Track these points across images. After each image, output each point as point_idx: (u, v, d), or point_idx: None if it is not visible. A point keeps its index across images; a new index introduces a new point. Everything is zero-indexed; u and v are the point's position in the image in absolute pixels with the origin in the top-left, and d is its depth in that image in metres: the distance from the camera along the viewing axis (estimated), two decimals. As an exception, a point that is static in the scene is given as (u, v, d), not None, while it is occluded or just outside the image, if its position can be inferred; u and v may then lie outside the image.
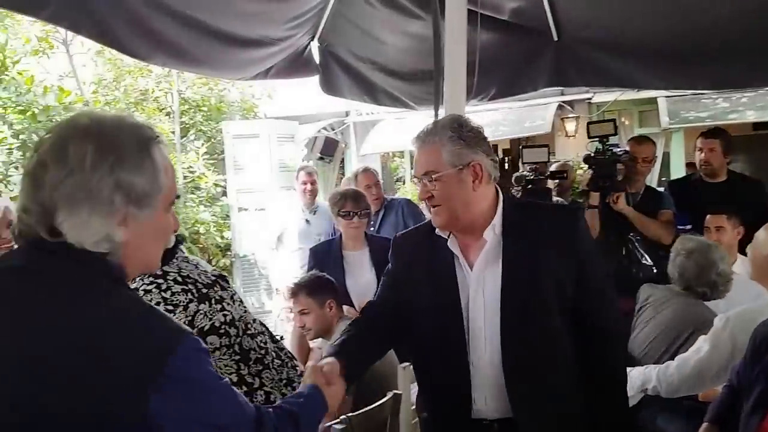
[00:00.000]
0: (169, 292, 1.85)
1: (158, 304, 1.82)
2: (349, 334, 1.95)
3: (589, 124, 3.78)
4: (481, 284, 1.77)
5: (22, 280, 1.00)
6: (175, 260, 1.90)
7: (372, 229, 3.93)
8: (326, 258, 3.41)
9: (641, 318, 2.74)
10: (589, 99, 7.26)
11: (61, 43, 4.82)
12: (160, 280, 1.86)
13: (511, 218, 1.78)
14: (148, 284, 1.84)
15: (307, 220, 4.90)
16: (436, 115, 2.73)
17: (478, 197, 1.75)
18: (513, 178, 4.81)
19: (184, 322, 1.80)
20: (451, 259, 1.80)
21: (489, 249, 1.77)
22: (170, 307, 1.83)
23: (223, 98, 6.58)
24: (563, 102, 7.15)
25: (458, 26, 2.31)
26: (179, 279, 1.88)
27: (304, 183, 4.88)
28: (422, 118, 9.08)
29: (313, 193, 4.94)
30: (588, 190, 3.72)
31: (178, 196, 1.21)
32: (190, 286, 1.87)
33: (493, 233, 1.77)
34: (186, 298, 1.86)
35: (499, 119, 7.45)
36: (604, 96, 7.17)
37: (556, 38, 3.92)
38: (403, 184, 12.74)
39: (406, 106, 4.43)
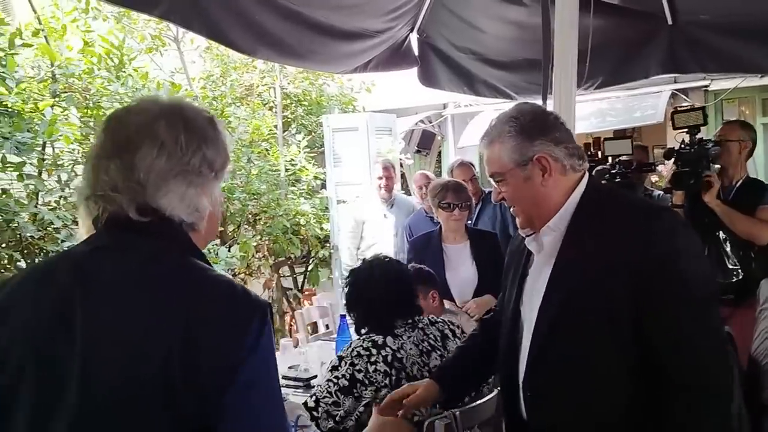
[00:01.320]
0: (372, 367, 2.04)
1: (359, 371, 2.03)
2: (465, 346, 2.01)
3: (673, 113, 3.37)
4: (532, 291, 1.61)
5: (115, 260, 1.03)
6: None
7: (470, 222, 3.88)
8: (426, 250, 3.40)
9: (765, 320, 2.53)
10: (706, 87, 6.79)
11: (172, 40, 5.09)
12: (374, 350, 2.06)
13: (582, 213, 1.54)
14: (363, 348, 2.05)
15: (385, 215, 4.87)
16: (544, 104, 2.62)
17: (551, 192, 1.55)
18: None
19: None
20: (527, 260, 1.68)
21: (547, 250, 1.58)
22: (366, 382, 2.02)
23: (323, 92, 6.71)
24: (676, 90, 6.74)
25: (570, 12, 2.22)
26: (389, 359, 2.06)
27: (380, 177, 4.84)
28: (523, 109, 8.87)
29: (389, 187, 4.88)
30: (671, 188, 3.37)
31: None
32: (392, 371, 2.06)
33: (550, 230, 1.57)
34: (381, 380, 2.04)
35: (606, 108, 7.12)
36: (723, 83, 6.68)
37: (670, 22, 3.74)
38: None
39: (507, 97, 4.35)
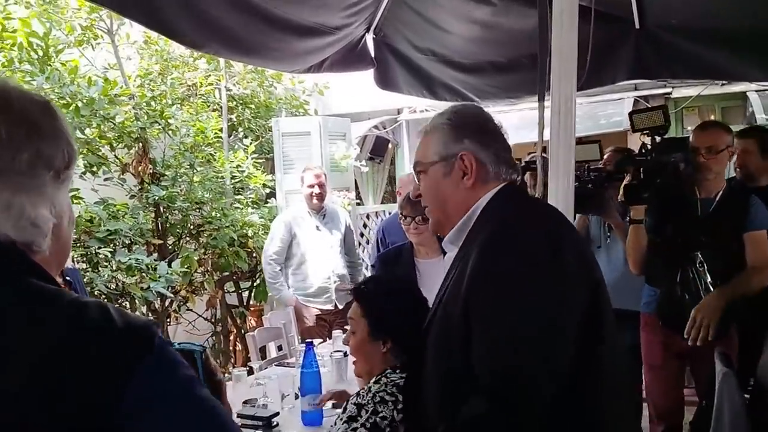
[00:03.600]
0: (400, 415, 1.88)
1: (383, 418, 1.87)
2: None
3: (632, 114, 3.06)
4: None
5: None
6: None
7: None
8: (396, 266, 3.26)
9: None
10: (668, 94, 6.89)
11: (105, 32, 4.81)
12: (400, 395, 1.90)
13: (475, 227, 1.50)
14: (388, 394, 1.90)
15: (317, 227, 4.66)
16: (541, 105, 2.52)
17: (464, 196, 1.53)
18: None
19: None
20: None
21: (453, 257, 1.55)
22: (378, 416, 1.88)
23: (272, 94, 6.51)
24: (638, 97, 6.82)
25: (569, 10, 2.12)
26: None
27: (311, 185, 4.57)
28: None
29: (321, 197, 4.62)
30: (627, 203, 3.03)
31: None
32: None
33: (450, 244, 1.59)
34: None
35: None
36: (684, 90, 6.80)
37: (638, 26, 3.73)
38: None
39: (469, 100, 4.25)
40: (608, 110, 6.80)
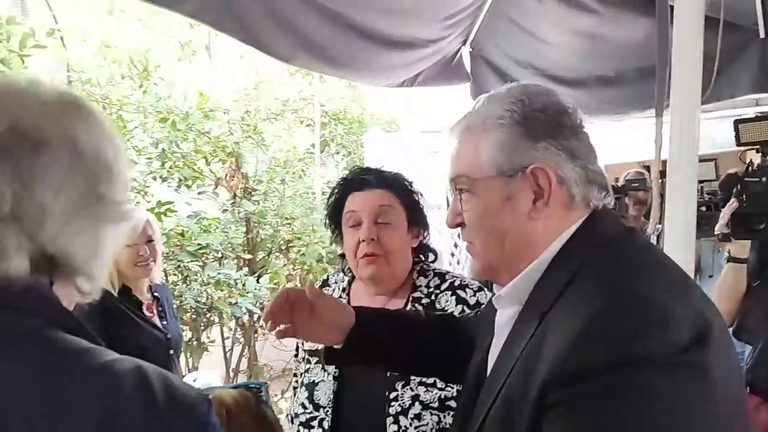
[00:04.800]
0: None
1: None
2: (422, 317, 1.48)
3: (737, 122, 2.53)
4: (492, 361, 1.11)
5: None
6: None
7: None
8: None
9: None
10: (792, 111, 6.39)
11: (204, 48, 4.95)
12: None
13: (549, 278, 1.01)
14: None
15: None
16: (659, 121, 2.20)
17: (535, 233, 1.02)
18: None
19: None
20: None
21: (509, 318, 1.07)
22: None
23: (365, 110, 6.53)
24: (759, 113, 6.32)
25: (694, 19, 1.93)
26: None
27: None
28: (588, 129, 8.56)
29: None
30: (728, 235, 2.46)
31: None
32: None
33: (506, 301, 1.08)
34: None
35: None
36: (814, 108, 6.28)
37: (762, 35, 3.43)
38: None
39: (571, 117, 4.04)
40: (724, 126, 6.34)
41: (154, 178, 4.37)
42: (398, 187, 1.77)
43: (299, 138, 5.27)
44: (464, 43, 3.85)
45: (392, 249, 1.70)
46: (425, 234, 1.80)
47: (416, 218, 1.76)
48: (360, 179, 1.77)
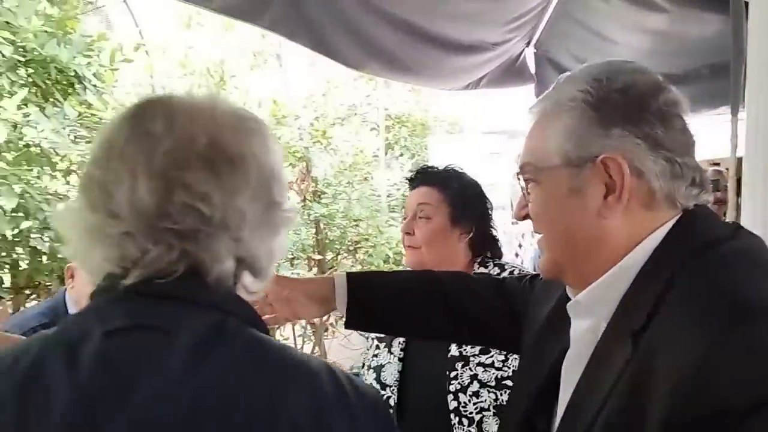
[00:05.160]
0: None
1: None
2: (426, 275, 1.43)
3: None
4: (568, 378, 0.97)
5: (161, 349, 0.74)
6: None
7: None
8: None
9: None
10: None
11: (275, 57, 5.11)
12: None
13: (643, 288, 0.86)
14: None
15: None
16: (734, 118, 2.14)
17: (611, 231, 0.90)
18: None
19: None
20: (566, 321, 1.01)
21: (587, 330, 0.95)
22: None
23: (429, 113, 6.57)
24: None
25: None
26: None
27: None
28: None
29: None
30: None
31: None
32: None
33: (583, 309, 0.96)
34: None
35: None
36: None
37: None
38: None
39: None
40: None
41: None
42: (446, 184, 1.88)
43: (365, 141, 5.36)
44: (528, 44, 3.83)
45: (427, 242, 1.82)
46: (474, 229, 1.87)
47: (461, 214, 1.85)
48: (412, 178, 1.95)
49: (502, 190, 5.99)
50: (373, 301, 1.33)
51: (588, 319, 0.94)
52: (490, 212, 1.96)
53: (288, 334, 4.98)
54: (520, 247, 6.82)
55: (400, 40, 2.87)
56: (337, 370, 0.77)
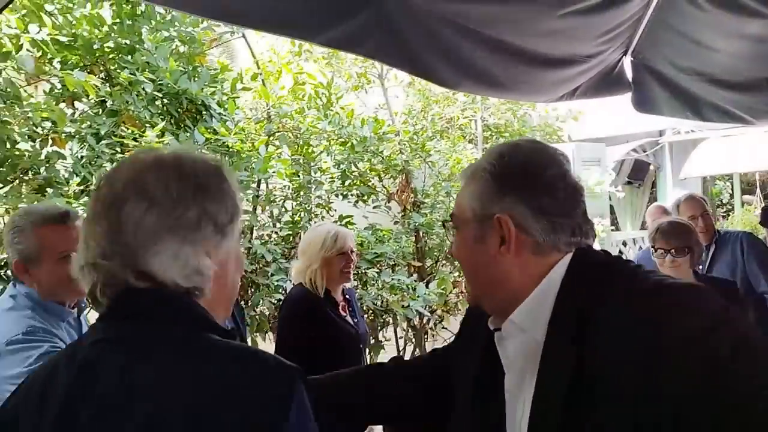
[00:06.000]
0: None
1: None
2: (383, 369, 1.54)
3: None
4: (515, 404, 1.15)
5: (113, 356, 0.91)
6: None
7: (701, 267, 3.42)
8: None
9: None
10: None
11: (376, 77, 5.31)
12: None
13: (565, 309, 1.07)
14: None
15: None
16: None
17: (509, 270, 1.13)
18: None
19: None
20: (494, 367, 1.21)
21: (524, 345, 1.13)
22: None
23: (525, 123, 6.55)
24: None
25: None
26: None
27: None
28: (757, 134, 7.89)
29: None
30: None
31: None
32: None
33: (515, 329, 1.14)
34: None
35: None
36: None
37: None
38: (731, 211, 11.21)
39: (740, 121, 3.86)
40: None
41: (336, 195, 4.79)
42: None
43: (462, 153, 5.44)
44: (625, 53, 3.79)
45: None
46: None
47: None
48: None
49: (600, 198, 5.89)
50: None
51: (523, 335, 1.13)
52: None
53: (390, 335, 5.15)
54: (621, 254, 6.66)
55: (493, 58, 2.92)
56: (261, 354, 0.93)
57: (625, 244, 6.90)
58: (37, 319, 1.90)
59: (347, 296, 3.14)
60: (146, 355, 0.90)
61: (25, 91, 3.08)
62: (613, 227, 7.25)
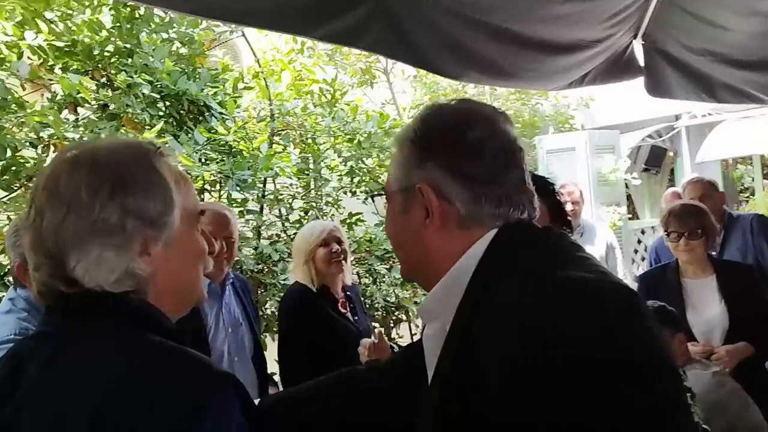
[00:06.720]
0: None
1: None
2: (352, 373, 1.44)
3: None
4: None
5: (44, 349, 0.90)
6: None
7: (714, 253, 3.36)
8: (660, 285, 3.00)
9: None
10: None
11: (382, 72, 5.28)
12: None
13: (473, 294, 0.96)
14: None
15: None
16: None
17: (435, 245, 1.04)
18: None
19: None
20: None
21: (434, 332, 1.07)
22: None
23: (537, 112, 6.48)
24: None
25: None
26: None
27: (565, 202, 4.40)
28: (776, 115, 7.75)
29: (576, 213, 4.40)
30: None
31: (202, 212, 1.07)
32: None
33: (429, 316, 1.10)
34: None
35: None
36: None
37: None
38: (752, 196, 11.04)
39: (757, 101, 3.79)
40: None
41: (345, 192, 4.77)
42: (541, 190, 1.99)
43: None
44: (635, 36, 3.73)
45: None
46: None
47: (559, 216, 1.93)
48: None
49: (616, 186, 5.81)
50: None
51: (436, 323, 1.07)
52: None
53: (404, 332, 5.13)
54: (639, 243, 6.58)
55: (498, 47, 2.89)
56: (194, 356, 0.89)
57: (643, 232, 6.80)
58: (32, 322, 1.92)
59: (348, 293, 3.12)
60: (71, 348, 0.87)
61: (22, 98, 3.07)
62: (631, 216, 7.15)
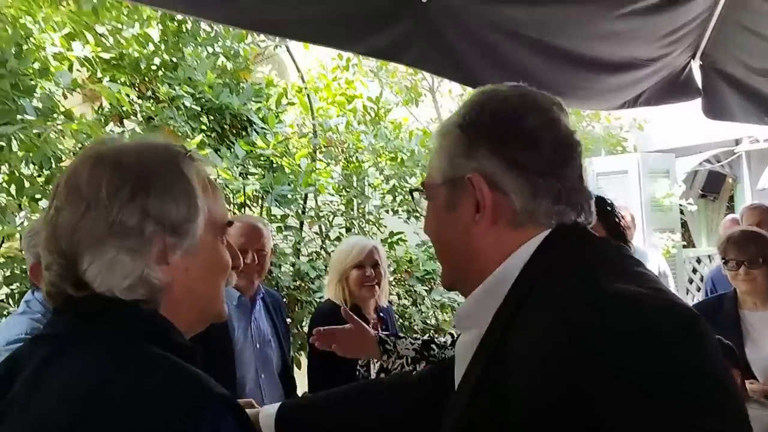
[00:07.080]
0: None
1: None
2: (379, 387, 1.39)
3: None
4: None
5: (41, 351, 0.86)
6: None
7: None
8: (716, 317, 2.85)
9: None
10: None
11: (428, 90, 5.25)
12: None
13: (513, 300, 0.88)
14: None
15: None
16: None
17: (482, 245, 0.94)
18: None
19: None
20: None
21: (469, 340, 0.97)
22: None
23: (588, 134, 6.34)
24: None
25: None
26: None
27: None
28: None
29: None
30: None
31: (230, 223, 0.99)
32: None
33: (465, 322, 1.02)
34: None
35: None
36: None
37: None
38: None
39: (828, 126, 3.59)
40: None
41: (387, 211, 4.72)
42: (598, 210, 1.91)
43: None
44: (693, 56, 3.61)
45: None
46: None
47: (617, 237, 1.94)
48: None
49: (670, 211, 5.62)
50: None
51: (472, 330, 0.96)
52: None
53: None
54: (695, 272, 6.32)
55: (549, 65, 2.83)
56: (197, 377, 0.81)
57: (699, 261, 6.54)
58: (44, 323, 1.92)
59: (381, 315, 3.04)
60: (66, 352, 0.83)
61: (70, 110, 3.13)
62: (686, 243, 6.90)
